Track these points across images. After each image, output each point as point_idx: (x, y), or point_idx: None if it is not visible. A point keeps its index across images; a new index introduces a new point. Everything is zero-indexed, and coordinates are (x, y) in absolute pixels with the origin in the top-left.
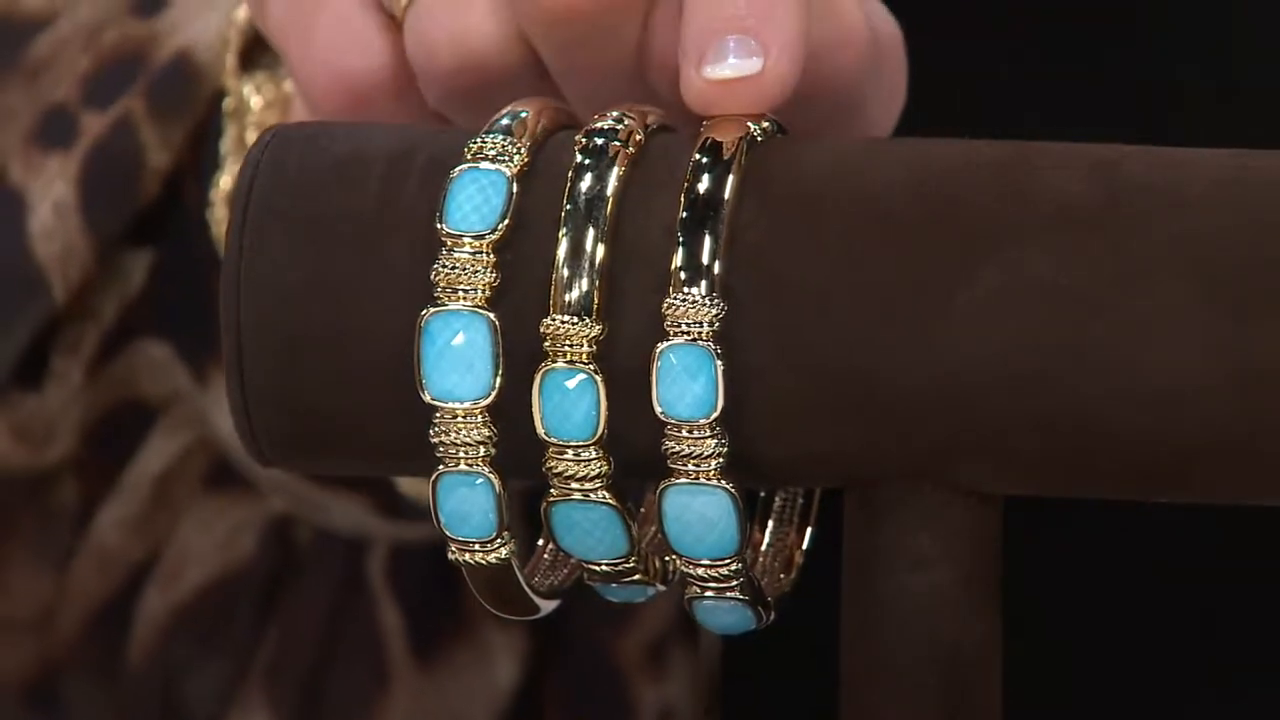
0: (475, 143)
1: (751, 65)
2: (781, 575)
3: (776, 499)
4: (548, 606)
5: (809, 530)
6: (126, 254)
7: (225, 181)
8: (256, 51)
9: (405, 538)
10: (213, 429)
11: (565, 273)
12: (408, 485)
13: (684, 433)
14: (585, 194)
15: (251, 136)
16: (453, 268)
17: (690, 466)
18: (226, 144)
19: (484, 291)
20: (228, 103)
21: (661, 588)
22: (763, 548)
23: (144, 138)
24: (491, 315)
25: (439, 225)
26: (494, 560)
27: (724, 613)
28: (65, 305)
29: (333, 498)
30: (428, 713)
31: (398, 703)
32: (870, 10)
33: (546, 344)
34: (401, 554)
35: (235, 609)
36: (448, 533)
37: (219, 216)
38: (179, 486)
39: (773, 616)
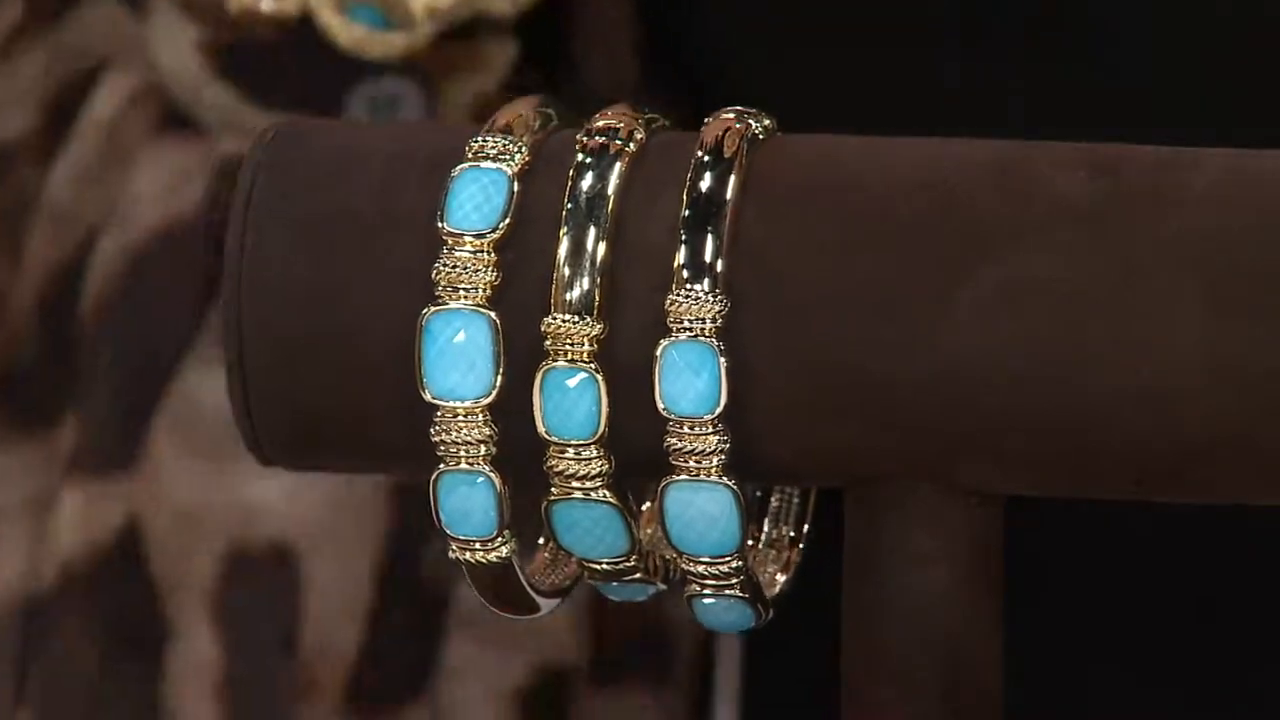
0: (476, 141)
1: None
2: (779, 575)
3: (773, 499)
4: (549, 605)
5: (805, 530)
6: None
7: None
8: None
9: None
10: (155, 67)
11: (566, 271)
12: (363, 36)
13: (686, 429)
14: (586, 192)
15: None
16: (454, 266)
17: (692, 463)
18: None
19: (485, 290)
20: None
21: (662, 586)
22: (759, 548)
23: None
24: (492, 314)
25: (440, 224)
26: (495, 559)
27: (723, 610)
28: None
29: None
30: None
31: None
32: None
33: (547, 343)
34: None
35: (189, 251)
36: (448, 531)
37: None
38: (129, 134)
39: (771, 615)
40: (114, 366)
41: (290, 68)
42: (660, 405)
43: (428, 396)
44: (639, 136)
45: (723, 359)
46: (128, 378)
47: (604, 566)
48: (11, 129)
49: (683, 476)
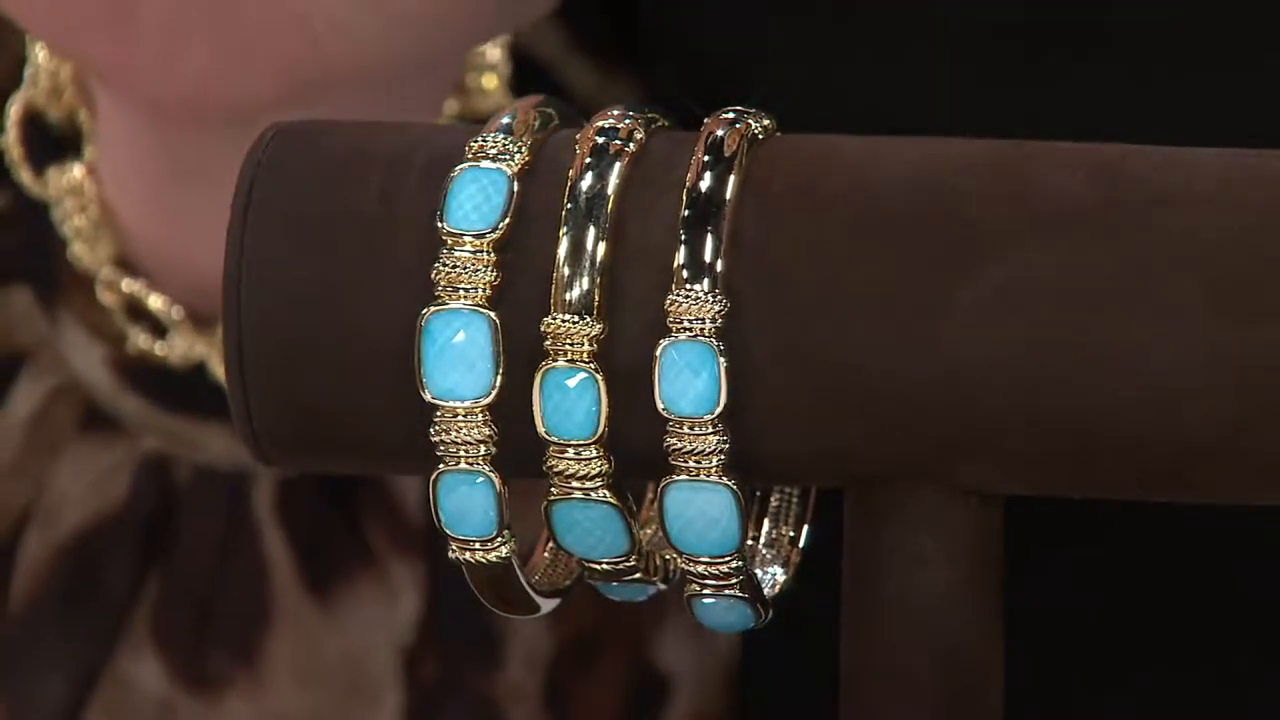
0: (476, 141)
1: None
2: (779, 576)
3: (772, 498)
4: (548, 605)
5: (805, 529)
6: None
7: (18, 102)
8: None
9: (292, 472)
10: (73, 372)
11: (566, 271)
12: None
13: (686, 429)
14: (586, 192)
15: (41, 56)
16: (453, 266)
17: (691, 463)
18: (29, 70)
19: (485, 290)
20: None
21: (662, 586)
22: (759, 547)
23: None
24: (492, 314)
25: (440, 224)
26: (494, 559)
27: (723, 611)
28: None
29: (208, 434)
30: (322, 647)
31: (285, 638)
32: None
33: (547, 343)
34: (291, 487)
35: (115, 550)
36: (448, 531)
37: (9, 140)
38: (50, 430)
39: (770, 615)
40: (47, 661)
41: (199, 385)
42: (660, 405)
43: (427, 396)
44: (639, 136)
45: (722, 359)
46: (61, 669)
47: (604, 567)
48: None
49: (682, 477)
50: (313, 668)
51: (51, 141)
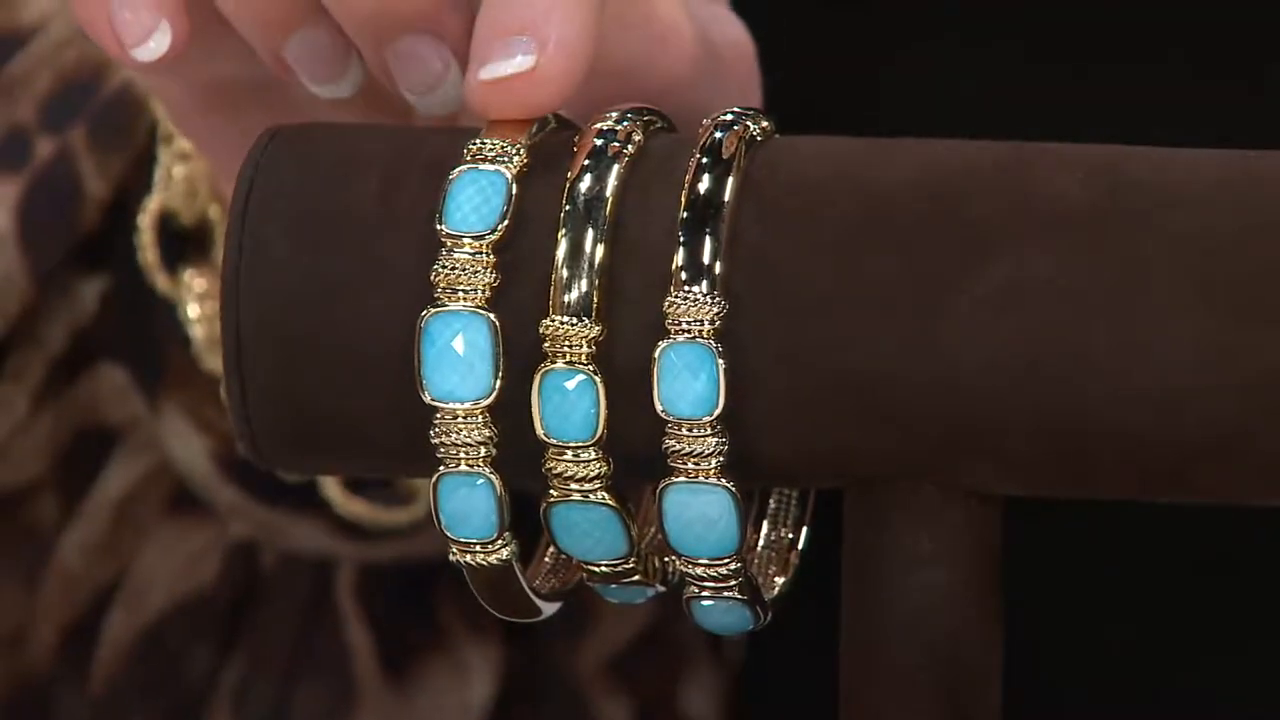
0: (475, 143)
1: (523, 62)
2: (778, 578)
3: (771, 501)
4: (549, 609)
5: (804, 532)
6: (77, 279)
7: (153, 206)
8: None
9: (372, 557)
10: (168, 456)
11: (564, 273)
12: (364, 510)
13: (684, 431)
14: (585, 194)
15: (175, 164)
16: (452, 268)
17: (690, 465)
18: (159, 171)
19: (484, 292)
20: (161, 128)
21: (661, 588)
22: (758, 549)
23: (81, 167)
24: (492, 316)
25: (438, 225)
26: (495, 561)
27: (722, 612)
28: (5, 336)
29: (294, 521)
30: None
31: None
32: (710, 15)
33: (546, 345)
34: (370, 573)
35: (199, 633)
36: (448, 533)
37: (144, 242)
38: (141, 511)
39: (769, 617)
40: None
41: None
42: (659, 407)
43: (427, 398)
44: (637, 138)
45: (721, 361)
46: None
47: (603, 569)
48: (24, 475)
49: (681, 479)
50: None
51: (179, 242)
